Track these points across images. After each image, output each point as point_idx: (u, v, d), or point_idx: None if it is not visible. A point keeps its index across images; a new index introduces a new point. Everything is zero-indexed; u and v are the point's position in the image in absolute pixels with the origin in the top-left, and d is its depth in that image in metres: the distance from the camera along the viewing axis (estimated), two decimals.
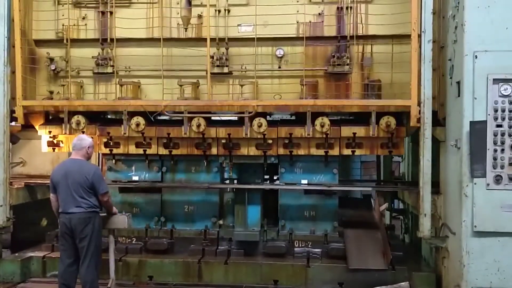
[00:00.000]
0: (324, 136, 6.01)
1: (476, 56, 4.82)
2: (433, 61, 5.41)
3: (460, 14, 4.99)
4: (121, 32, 6.20)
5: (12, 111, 6.15)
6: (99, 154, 7.73)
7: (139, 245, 6.63)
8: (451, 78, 5.32)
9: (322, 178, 6.47)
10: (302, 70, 5.93)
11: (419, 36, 5.37)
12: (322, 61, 6.11)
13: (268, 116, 6.34)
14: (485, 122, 4.81)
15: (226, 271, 6.20)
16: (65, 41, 6.26)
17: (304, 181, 6.47)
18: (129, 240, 6.76)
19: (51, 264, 6.32)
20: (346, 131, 6.03)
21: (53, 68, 6.40)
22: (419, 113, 5.42)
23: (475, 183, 4.83)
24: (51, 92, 6.44)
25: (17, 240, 6.72)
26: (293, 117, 6.77)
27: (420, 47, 5.37)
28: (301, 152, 6.21)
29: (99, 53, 6.34)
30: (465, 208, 4.86)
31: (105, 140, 6.43)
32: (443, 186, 5.64)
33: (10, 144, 6.43)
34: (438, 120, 5.63)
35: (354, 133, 5.99)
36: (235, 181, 6.74)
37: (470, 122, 4.83)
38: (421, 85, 5.38)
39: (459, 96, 5.03)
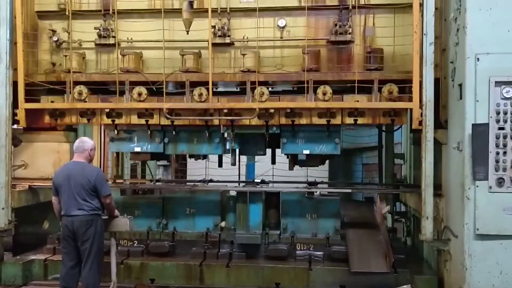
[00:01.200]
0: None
1: (478, 58, 4.81)
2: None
3: (461, 16, 4.99)
4: (123, 4, 6.21)
5: (14, 114, 6.16)
6: (101, 126, 7.72)
7: (141, 248, 6.63)
8: (453, 80, 5.31)
9: (324, 148, 6.36)
10: (304, 39, 5.92)
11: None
12: (324, 31, 6.09)
13: (270, 88, 6.26)
14: (487, 124, 4.80)
15: (228, 274, 6.19)
16: (67, 13, 6.25)
17: (306, 151, 6.38)
18: (131, 242, 6.76)
19: (53, 267, 6.32)
20: (349, 99, 5.99)
21: (55, 39, 6.39)
22: (421, 116, 5.41)
23: (477, 186, 4.82)
24: (54, 64, 6.45)
25: (19, 242, 6.71)
26: (295, 89, 6.65)
27: (421, 49, 5.37)
28: (303, 121, 6.14)
29: (101, 24, 6.33)
30: (467, 211, 4.85)
31: (107, 110, 6.39)
32: (445, 188, 5.63)
33: (12, 146, 6.43)
34: (440, 123, 5.62)
35: (357, 102, 5.94)
36: (237, 152, 6.64)
37: (472, 124, 4.82)
38: (422, 88, 5.37)
39: (461, 98, 5.02)
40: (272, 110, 6.12)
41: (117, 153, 8.76)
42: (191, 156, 7.18)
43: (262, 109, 6.08)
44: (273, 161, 7.41)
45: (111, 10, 6.25)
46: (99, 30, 6.29)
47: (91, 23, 6.35)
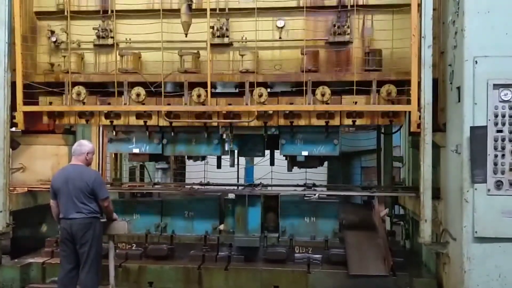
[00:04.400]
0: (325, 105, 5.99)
1: (476, 61, 4.81)
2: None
3: (460, 19, 5.00)
4: (122, 4, 6.20)
5: (13, 117, 6.15)
6: (99, 126, 7.70)
7: (139, 251, 6.61)
8: (451, 83, 5.31)
9: (322, 149, 6.35)
10: (303, 40, 5.92)
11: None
12: (322, 31, 6.09)
13: (268, 89, 6.24)
14: (485, 127, 4.80)
15: (226, 277, 6.17)
16: (65, 13, 6.24)
17: (305, 153, 6.37)
18: (129, 246, 6.74)
19: (51, 270, 6.30)
20: (347, 100, 5.98)
21: (54, 40, 6.39)
22: (419, 119, 5.42)
23: (475, 189, 4.81)
24: (52, 65, 6.43)
25: (17, 246, 6.70)
26: (294, 89, 6.58)
27: (420, 52, 5.38)
28: (302, 122, 6.13)
29: (99, 25, 6.32)
30: (465, 214, 4.84)
31: (105, 111, 6.37)
32: (443, 191, 5.63)
33: (10, 149, 6.42)
34: (439, 126, 5.62)
35: (355, 102, 5.93)
36: (236, 153, 6.67)
37: (471, 127, 4.82)
38: (421, 90, 5.38)
39: (459, 101, 5.02)
40: (270, 112, 6.11)
41: (116, 156, 8.75)
42: (189, 158, 7.15)
43: (261, 110, 6.07)
44: (272, 163, 7.40)
45: (109, 10, 6.24)
46: (98, 30, 6.29)
47: (89, 24, 6.34)
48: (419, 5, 5.39)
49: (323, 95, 5.91)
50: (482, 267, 4.80)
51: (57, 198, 5.53)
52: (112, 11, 6.20)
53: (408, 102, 5.69)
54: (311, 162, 6.77)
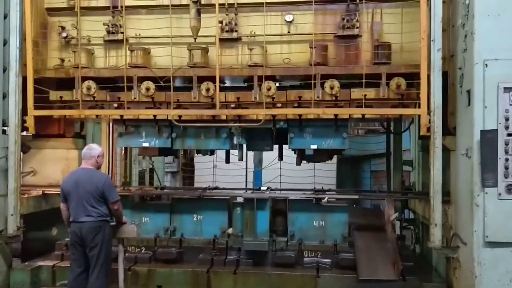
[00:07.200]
0: (334, 98, 5.98)
1: (486, 64, 4.78)
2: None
3: (469, 22, 4.97)
4: (131, 0, 6.25)
5: (24, 121, 6.20)
6: (109, 124, 7.75)
7: (148, 255, 6.61)
8: (461, 87, 5.29)
9: (331, 143, 6.32)
10: (312, 34, 5.91)
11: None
12: (331, 26, 6.08)
13: (277, 83, 6.22)
14: (496, 131, 4.76)
15: (235, 281, 6.16)
16: (76, 9, 6.29)
17: (314, 146, 6.35)
18: (138, 249, 6.76)
19: (61, 273, 6.32)
20: (356, 93, 5.96)
21: (64, 36, 6.46)
22: (429, 122, 5.39)
23: (486, 193, 4.77)
24: (62, 60, 6.49)
25: (28, 249, 6.74)
26: (302, 84, 6.52)
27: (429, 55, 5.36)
28: (311, 116, 6.13)
29: (109, 20, 6.36)
30: (476, 218, 4.80)
31: (115, 105, 6.42)
32: (454, 195, 5.59)
33: (21, 153, 6.47)
34: (449, 129, 5.59)
35: (365, 95, 5.89)
36: (244, 147, 6.68)
37: (481, 131, 4.78)
38: (430, 94, 5.35)
39: (469, 105, 4.99)
40: (279, 105, 6.10)
41: (125, 161, 8.80)
42: (198, 152, 7.17)
43: (269, 104, 6.07)
44: (280, 157, 7.37)
45: (119, 6, 6.29)
46: (108, 26, 6.33)
47: (99, 20, 6.38)
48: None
49: (332, 88, 5.88)
50: (493, 271, 4.75)
51: (67, 201, 5.56)
52: (121, 7, 6.24)
53: (418, 96, 5.65)
54: (320, 156, 6.74)
